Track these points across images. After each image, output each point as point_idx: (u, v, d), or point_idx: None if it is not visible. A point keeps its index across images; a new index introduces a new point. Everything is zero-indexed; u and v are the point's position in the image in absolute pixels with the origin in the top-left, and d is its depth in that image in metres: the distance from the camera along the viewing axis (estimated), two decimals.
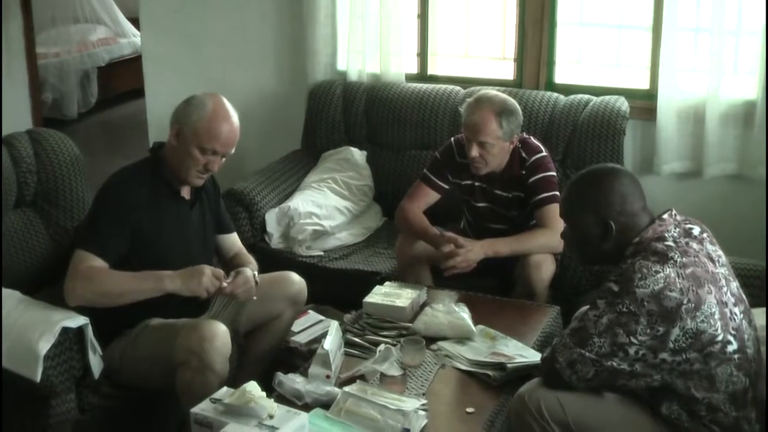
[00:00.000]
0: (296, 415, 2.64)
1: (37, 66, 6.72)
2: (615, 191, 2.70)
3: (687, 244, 2.62)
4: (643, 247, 2.62)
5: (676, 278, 2.51)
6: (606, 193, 2.71)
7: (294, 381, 2.90)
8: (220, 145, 3.24)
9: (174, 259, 3.25)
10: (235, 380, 3.20)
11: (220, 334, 3.07)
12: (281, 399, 2.82)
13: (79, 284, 3.09)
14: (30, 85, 6.39)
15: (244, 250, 3.65)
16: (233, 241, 3.65)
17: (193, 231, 3.40)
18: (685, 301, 2.50)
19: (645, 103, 4.71)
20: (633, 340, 2.52)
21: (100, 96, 9.36)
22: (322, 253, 4.48)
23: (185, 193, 3.37)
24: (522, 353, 3.15)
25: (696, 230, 2.70)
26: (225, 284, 3.20)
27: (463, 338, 3.28)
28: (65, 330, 3.01)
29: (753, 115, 4.45)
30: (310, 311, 3.98)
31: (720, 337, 2.54)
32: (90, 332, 3.09)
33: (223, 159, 3.31)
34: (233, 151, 3.32)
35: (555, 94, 4.73)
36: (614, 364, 2.56)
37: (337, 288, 4.21)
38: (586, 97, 4.67)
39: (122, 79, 9.39)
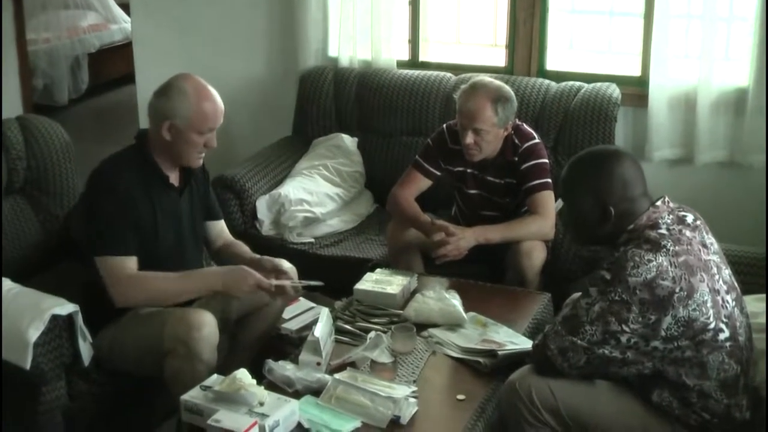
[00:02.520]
0: (286, 402, 2.64)
1: (28, 52, 6.67)
2: (617, 176, 2.68)
3: (680, 231, 2.61)
4: (636, 235, 2.61)
5: (669, 267, 2.51)
6: (608, 177, 2.69)
7: (284, 368, 2.89)
8: (213, 122, 3.25)
9: (167, 246, 3.26)
10: (225, 367, 3.17)
11: (207, 322, 3.06)
12: (272, 386, 2.81)
13: (127, 292, 3.13)
14: (20, 72, 6.33)
15: (232, 238, 3.65)
16: (221, 228, 3.65)
17: (184, 218, 3.39)
18: (677, 290, 2.50)
19: (636, 89, 4.71)
20: (625, 328, 2.52)
21: (90, 82, 9.29)
22: (312, 240, 4.46)
23: (174, 180, 3.35)
24: (513, 340, 3.15)
25: (689, 218, 2.69)
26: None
27: (454, 325, 3.27)
28: (55, 317, 3.00)
29: (744, 102, 4.46)
30: (300, 298, 3.94)
31: (712, 325, 2.54)
32: (80, 319, 3.07)
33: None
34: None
35: (546, 81, 4.73)
36: (606, 351, 2.56)
37: (327, 275, 4.17)
38: (578, 83, 4.66)
39: (113, 65, 9.34)
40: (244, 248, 3.57)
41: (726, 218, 3.88)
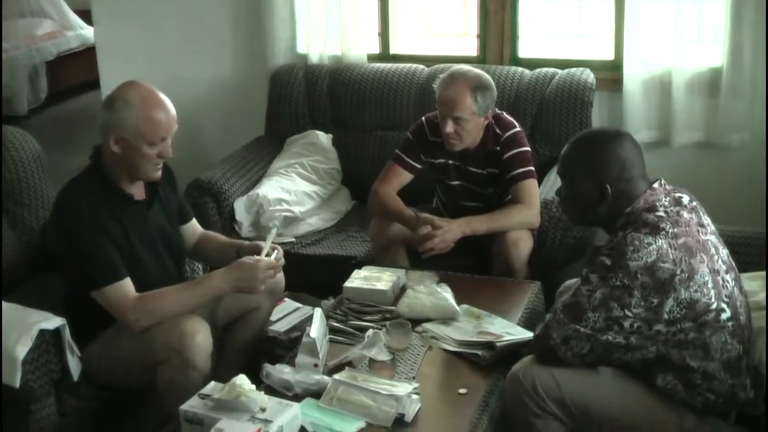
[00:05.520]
0: (288, 407, 2.59)
1: None
2: (615, 156, 2.67)
3: (678, 213, 2.60)
4: (634, 219, 2.60)
5: (669, 249, 2.49)
6: (606, 157, 2.67)
7: (282, 372, 2.83)
8: (166, 131, 3.09)
9: (146, 264, 3.18)
10: (215, 374, 3.13)
11: (201, 330, 3.00)
12: (270, 390, 2.76)
13: (140, 317, 3.02)
14: None
15: (203, 231, 3.60)
16: (194, 225, 3.56)
17: (156, 231, 3.27)
18: (678, 272, 2.48)
19: (611, 74, 4.70)
20: (627, 313, 2.50)
21: (49, 91, 9.17)
22: (293, 240, 4.41)
23: (139, 195, 3.22)
24: (509, 331, 3.12)
25: (685, 199, 2.68)
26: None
27: (448, 319, 3.24)
28: (42, 332, 2.92)
29: (719, 82, 4.46)
30: (286, 299, 3.90)
31: (714, 306, 2.53)
32: (67, 333, 2.99)
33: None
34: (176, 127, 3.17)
35: (520, 69, 4.70)
36: (609, 338, 2.53)
37: (311, 274, 4.14)
38: (552, 70, 4.65)
39: (72, 72, 9.22)
40: (220, 238, 3.53)
41: (705, 198, 3.83)
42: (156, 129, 3.05)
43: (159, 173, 3.18)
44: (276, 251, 3.26)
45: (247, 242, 3.41)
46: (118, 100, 3.06)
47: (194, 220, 3.59)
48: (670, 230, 2.53)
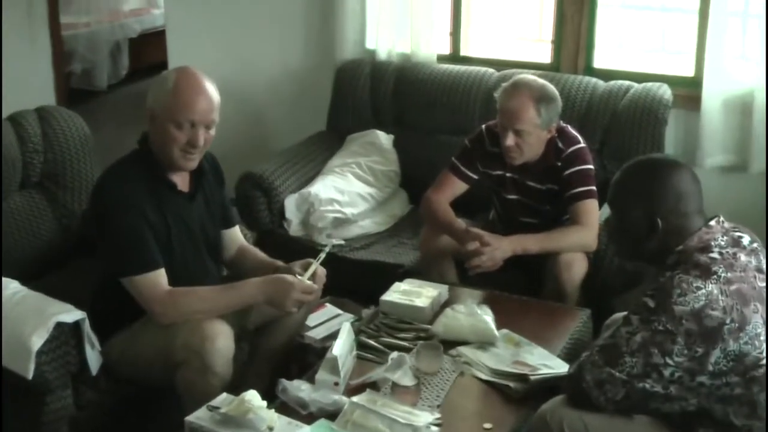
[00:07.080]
0: (298, 428, 2.46)
1: (63, 37, 6.54)
2: (671, 187, 2.46)
3: (734, 255, 2.38)
4: (685, 258, 2.39)
5: (719, 295, 2.29)
6: (660, 186, 2.47)
7: (298, 389, 2.69)
8: (194, 114, 2.96)
9: (183, 258, 3.08)
10: (243, 379, 3.06)
11: (222, 333, 2.88)
12: (284, 407, 2.63)
13: (168, 311, 2.93)
14: (54, 57, 6.21)
15: (247, 244, 3.46)
16: (236, 234, 3.44)
17: (197, 226, 3.17)
18: (727, 321, 2.28)
19: (689, 91, 4.46)
20: (668, 361, 2.30)
21: (130, 67, 9.20)
22: (342, 242, 4.28)
23: (183, 186, 3.13)
24: (547, 363, 2.93)
25: (746, 239, 2.46)
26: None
27: (485, 343, 3.06)
28: (60, 324, 2.83)
29: None
30: (327, 304, 3.77)
31: (765, 361, 2.32)
32: (87, 326, 2.91)
33: (210, 131, 3.02)
34: (216, 119, 3.03)
35: (594, 80, 4.49)
36: (647, 386, 2.34)
37: (356, 279, 4.01)
38: (627, 83, 4.43)
39: (154, 50, 9.13)
40: (260, 255, 3.38)
41: None
42: (183, 108, 2.95)
43: (190, 163, 3.06)
44: (318, 277, 3.12)
45: (283, 264, 3.24)
46: (161, 76, 3.05)
47: (237, 228, 3.46)
48: (723, 275, 2.32)
